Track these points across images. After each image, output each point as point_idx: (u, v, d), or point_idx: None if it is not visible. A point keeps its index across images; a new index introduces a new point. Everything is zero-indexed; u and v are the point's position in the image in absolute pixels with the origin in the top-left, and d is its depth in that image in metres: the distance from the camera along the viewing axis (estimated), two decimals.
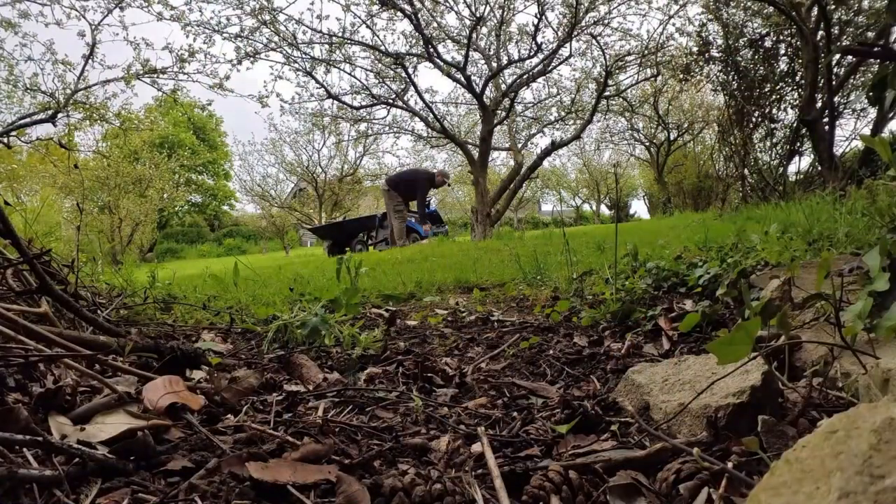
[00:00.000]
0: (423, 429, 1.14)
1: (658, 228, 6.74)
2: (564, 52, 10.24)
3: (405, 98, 10.67)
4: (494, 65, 10.55)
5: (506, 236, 8.80)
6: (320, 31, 9.43)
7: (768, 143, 7.07)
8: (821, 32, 5.83)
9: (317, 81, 10.03)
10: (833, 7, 6.30)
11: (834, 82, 5.74)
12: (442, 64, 9.90)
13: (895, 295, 1.11)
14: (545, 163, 16.13)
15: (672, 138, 18.33)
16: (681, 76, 8.59)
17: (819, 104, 5.90)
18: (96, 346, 1.36)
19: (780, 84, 7.07)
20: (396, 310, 2.64)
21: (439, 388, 1.47)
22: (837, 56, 5.96)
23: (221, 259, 18.55)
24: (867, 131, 6.69)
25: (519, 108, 12.25)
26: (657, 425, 1.06)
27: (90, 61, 9.41)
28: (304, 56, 9.72)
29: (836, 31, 6.30)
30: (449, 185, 10.82)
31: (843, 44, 6.29)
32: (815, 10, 5.79)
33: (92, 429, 0.95)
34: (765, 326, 1.28)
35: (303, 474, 0.84)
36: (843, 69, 6.31)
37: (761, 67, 7.20)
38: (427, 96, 10.79)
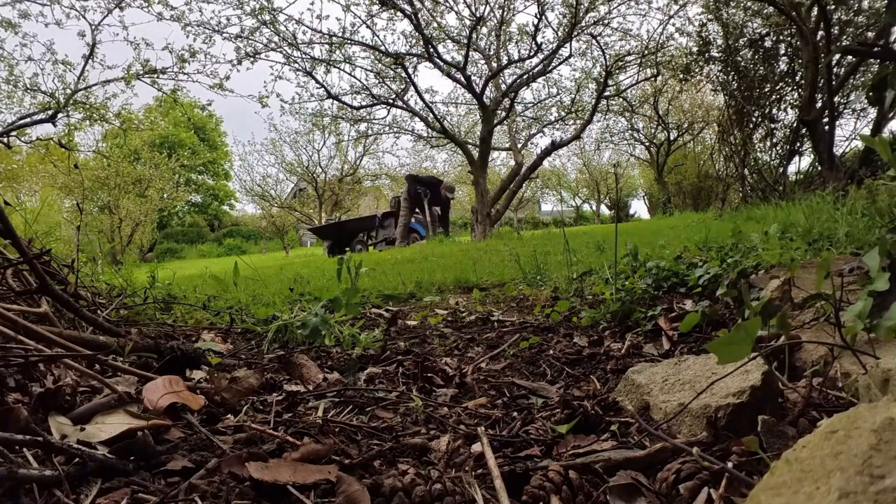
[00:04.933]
0: (423, 429, 1.14)
1: (658, 228, 6.74)
2: (564, 52, 10.26)
3: (405, 98, 10.68)
4: (494, 65, 10.55)
5: (506, 236, 8.80)
6: (320, 31, 9.44)
7: (768, 143, 7.07)
8: (821, 32, 5.83)
9: (317, 81, 10.03)
10: (833, 7, 6.30)
11: (834, 82, 5.74)
12: (442, 64, 9.90)
13: (895, 295, 1.11)
14: (545, 163, 16.13)
15: (672, 138, 18.34)
16: (681, 76, 8.59)
17: (819, 104, 5.90)
18: (96, 346, 1.36)
19: (780, 84, 7.06)
20: (397, 310, 2.64)
21: (439, 388, 1.47)
22: (837, 56, 5.95)
23: (221, 259, 18.56)
24: (867, 131, 6.69)
25: (519, 108, 12.25)
26: (657, 425, 1.06)
27: (90, 61, 9.42)
28: (304, 56, 9.73)
29: (836, 31, 6.30)
30: (452, 198, 11.18)
31: (843, 44, 6.29)
32: (815, 10, 5.79)
33: (92, 429, 0.95)
34: (765, 326, 1.28)
35: (303, 474, 0.84)
36: (843, 69, 6.31)
37: (761, 67, 7.20)
38: (427, 96, 10.81)
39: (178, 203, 24.23)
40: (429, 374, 1.54)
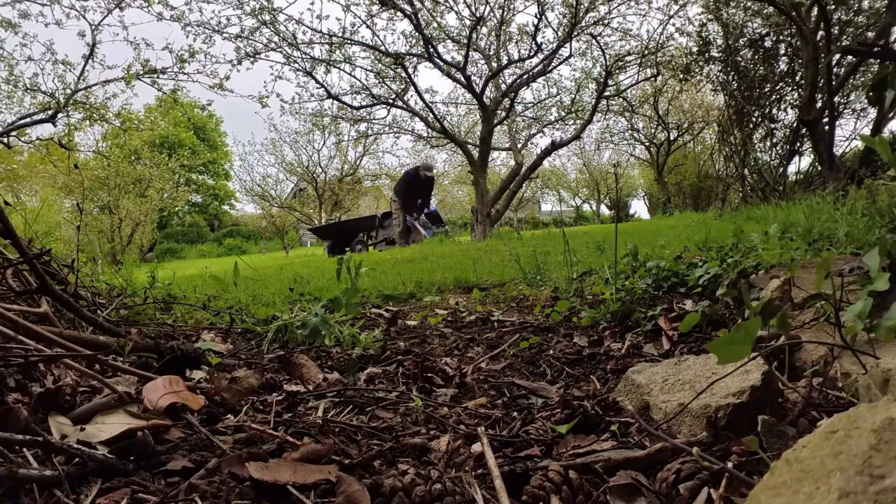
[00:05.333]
0: (423, 429, 1.14)
1: (658, 228, 6.74)
2: (564, 52, 10.26)
3: (405, 98, 10.68)
4: (494, 65, 10.55)
5: (506, 236, 8.80)
6: (320, 32, 9.44)
7: (768, 143, 7.07)
8: (821, 32, 5.83)
9: (317, 81, 10.04)
10: (833, 7, 6.30)
11: (834, 82, 5.74)
12: (442, 64, 9.90)
13: (895, 295, 1.11)
14: (545, 163, 16.14)
15: (672, 138, 18.34)
16: (681, 76, 8.59)
17: (819, 104, 5.90)
18: (96, 346, 1.36)
19: (780, 84, 7.06)
20: (397, 310, 2.64)
21: (439, 388, 1.47)
22: (837, 56, 5.95)
23: (221, 259, 18.56)
24: (867, 131, 6.69)
25: (519, 108, 12.25)
26: (657, 425, 1.06)
27: (90, 61, 9.42)
28: (304, 56, 9.73)
29: (836, 31, 6.29)
30: (432, 175, 10.31)
31: (843, 44, 6.29)
32: (815, 10, 5.79)
33: (92, 429, 0.95)
34: (765, 326, 1.28)
35: (303, 474, 0.84)
36: (843, 69, 6.31)
37: (761, 67, 7.20)
38: (427, 96, 10.81)
39: (178, 203, 24.24)
40: (429, 374, 1.54)
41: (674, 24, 15.21)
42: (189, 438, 0.99)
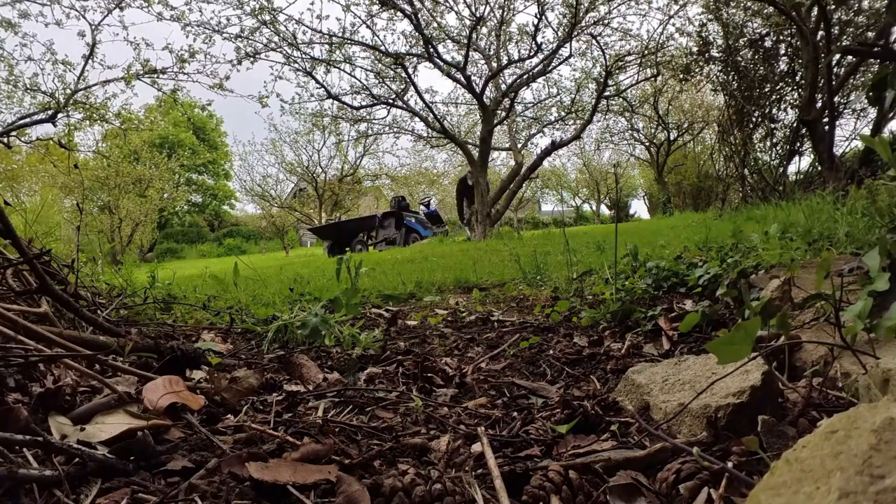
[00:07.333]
0: (423, 429, 1.14)
1: (658, 228, 6.74)
2: (564, 52, 10.27)
3: (405, 98, 10.69)
4: (494, 65, 10.56)
5: (506, 236, 8.80)
6: (320, 32, 9.45)
7: (768, 143, 7.07)
8: (821, 32, 5.83)
9: (317, 81, 10.05)
10: (833, 7, 6.30)
11: (834, 82, 5.74)
12: (442, 64, 9.91)
13: (895, 295, 1.11)
14: (545, 163, 16.14)
15: (672, 138, 18.35)
16: (681, 76, 8.59)
17: (819, 104, 5.90)
18: (96, 346, 1.36)
19: (780, 84, 7.07)
20: (397, 310, 2.64)
21: (439, 388, 1.47)
22: (837, 56, 5.95)
23: (221, 259, 18.56)
24: (867, 131, 6.68)
25: (519, 108, 12.26)
26: (657, 425, 1.06)
27: (90, 61, 9.42)
28: (304, 56, 9.73)
29: (836, 31, 6.30)
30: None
31: (843, 44, 6.29)
32: (815, 10, 5.79)
33: (92, 429, 0.95)
34: (765, 326, 1.28)
35: (303, 474, 0.84)
36: (843, 69, 6.31)
37: (761, 67, 7.20)
38: (427, 96, 10.83)
39: (178, 203, 24.23)
40: (429, 374, 1.54)
41: (674, 24, 15.25)
42: (189, 438, 0.99)
